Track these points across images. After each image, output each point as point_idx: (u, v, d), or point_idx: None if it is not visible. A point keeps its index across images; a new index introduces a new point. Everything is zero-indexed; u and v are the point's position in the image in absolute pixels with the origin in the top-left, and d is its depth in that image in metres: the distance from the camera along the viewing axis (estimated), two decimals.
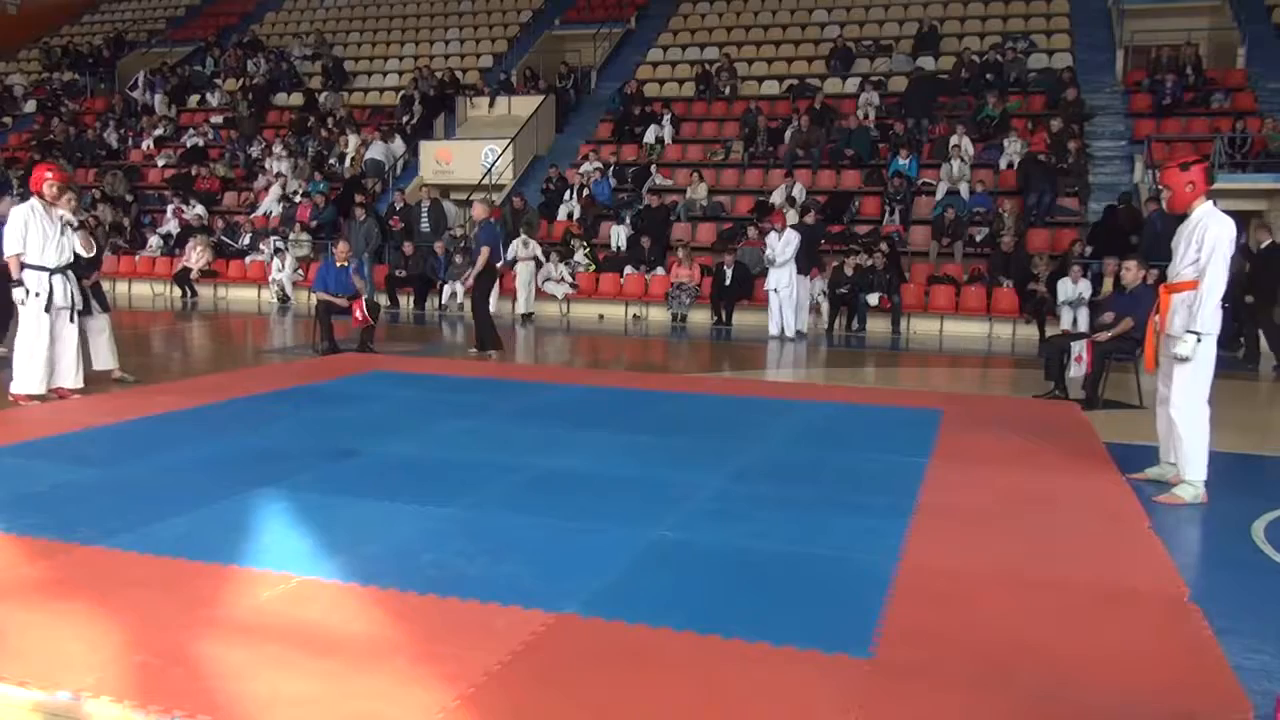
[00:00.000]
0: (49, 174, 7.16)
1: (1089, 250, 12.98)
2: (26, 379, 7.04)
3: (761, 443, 6.09)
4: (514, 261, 14.61)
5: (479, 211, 10.91)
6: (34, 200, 7.10)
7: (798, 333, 12.78)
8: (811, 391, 8.44)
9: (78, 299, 7.34)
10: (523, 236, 14.85)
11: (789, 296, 12.62)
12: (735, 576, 3.73)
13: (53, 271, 7.12)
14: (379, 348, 10.37)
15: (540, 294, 15.06)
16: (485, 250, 10.43)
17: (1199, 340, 4.96)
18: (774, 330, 12.68)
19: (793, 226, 12.84)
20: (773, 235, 12.71)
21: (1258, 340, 10.90)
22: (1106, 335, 7.78)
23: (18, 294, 7.02)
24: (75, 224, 7.27)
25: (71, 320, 7.26)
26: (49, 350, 7.12)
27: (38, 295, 7.01)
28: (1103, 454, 5.96)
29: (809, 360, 11.17)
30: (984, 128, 16.12)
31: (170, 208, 18.41)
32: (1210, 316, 4.95)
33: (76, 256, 7.49)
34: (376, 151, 18.28)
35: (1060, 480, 5.30)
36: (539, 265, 14.95)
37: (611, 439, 6.13)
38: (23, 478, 4.93)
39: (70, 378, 7.32)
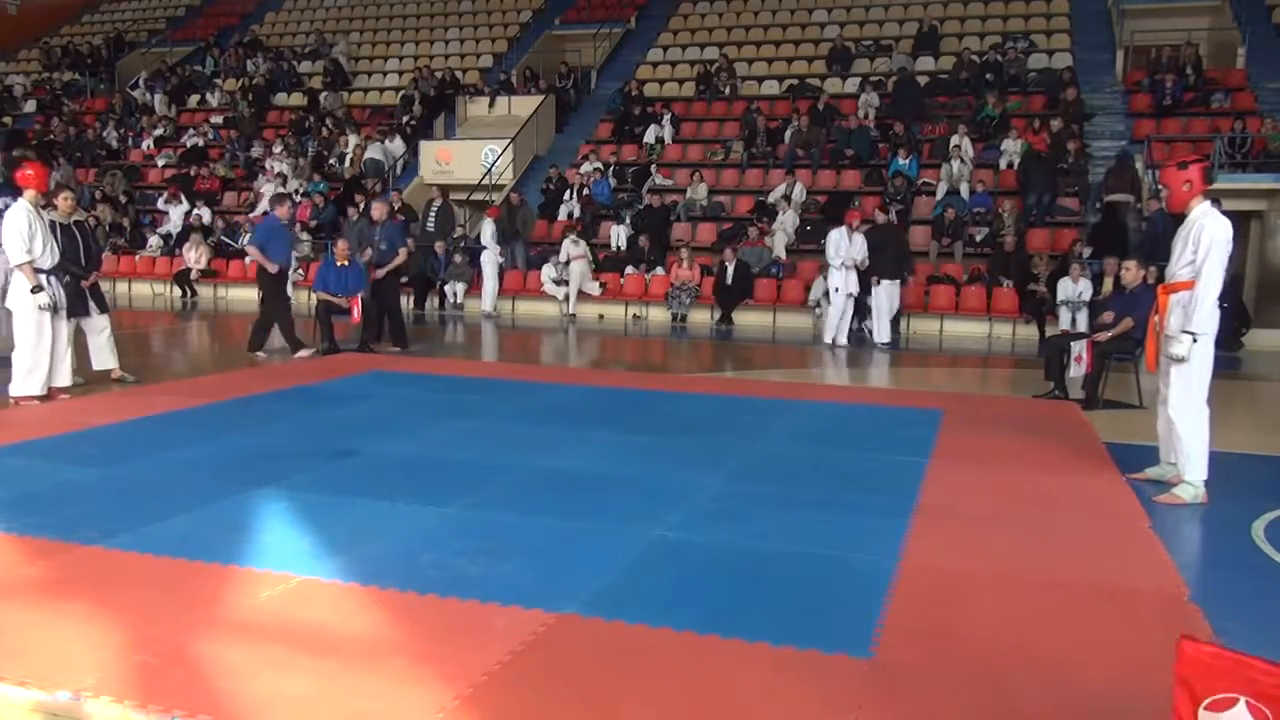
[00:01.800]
0: (30, 172, 7.17)
1: (1088, 252, 12.97)
2: (30, 381, 7.05)
3: (761, 443, 6.09)
4: (567, 261, 14.77)
5: (379, 212, 11.40)
6: (25, 201, 7.06)
7: (886, 343, 11.84)
8: (811, 391, 8.44)
9: (64, 299, 7.37)
10: (572, 236, 14.90)
11: (886, 304, 11.81)
12: (735, 576, 3.73)
13: (48, 273, 7.15)
14: (379, 348, 10.38)
15: (542, 294, 15.08)
16: (404, 251, 11.07)
17: (1195, 341, 4.95)
18: (828, 337, 11.79)
19: (872, 226, 11.95)
20: (839, 234, 11.60)
21: None
22: (1106, 335, 7.78)
23: (39, 298, 6.99)
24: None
25: (62, 320, 7.33)
26: (50, 352, 7.15)
27: (49, 297, 7.07)
28: (1103, 454, 5.96)
29: (809, 360, 11.16)
30: (984, 128, 16.12)
31: (161, 201, 18.43)
32: (1206, 317, 4.94)
33: (79, 256, 7.54)
34: (374, 151, 18.29)
35: (1060, 480, 5.30)
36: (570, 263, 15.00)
37: (611, 439, 6.13)
38: (23, 478, 4.93)
39: (66, 377, 7.41)
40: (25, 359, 7.04)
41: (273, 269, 9.91)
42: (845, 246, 11.57)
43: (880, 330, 11.94)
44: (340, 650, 3.02)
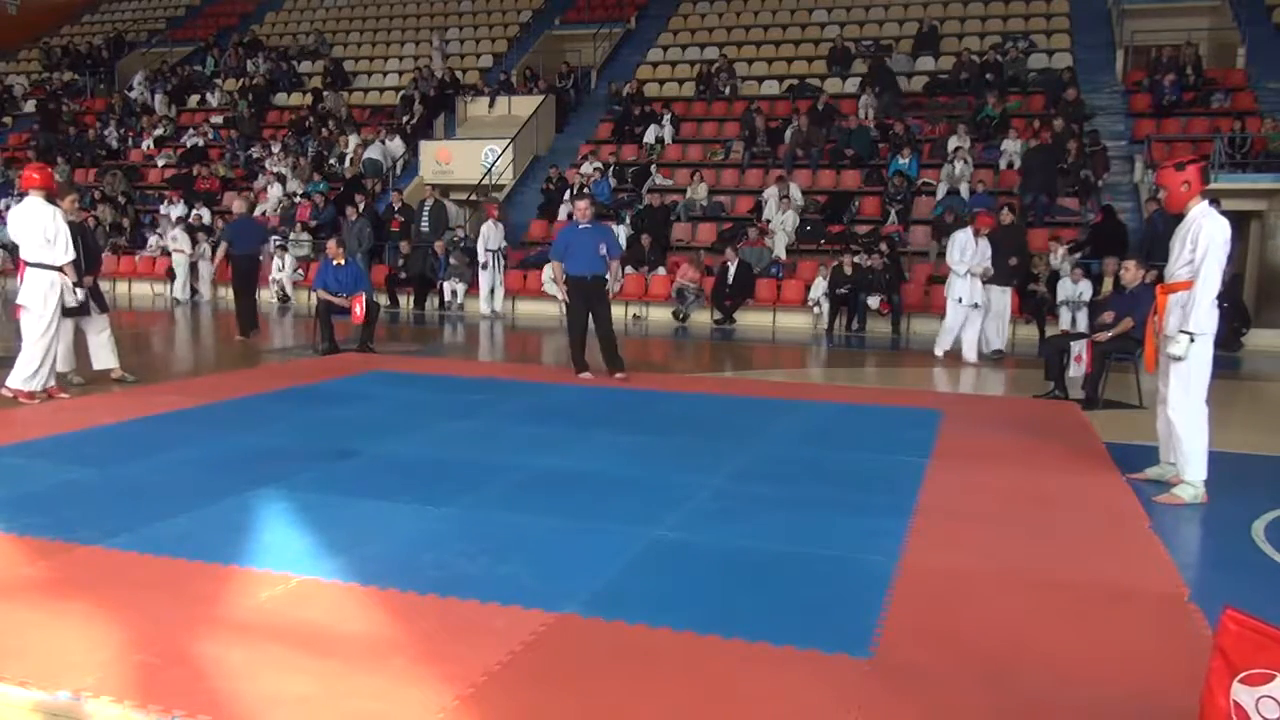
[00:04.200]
0: (36, 175, 7.23)
1: (1074, 256, 12.95)
2: (34, 376, 7.05)
3: (761, 443, 6.09)
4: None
5: (238, 207, 12.36)
6: (41, 200, 7.11)
7: (996, 351, 10.81)
8: (811, 391, 8.44)
9: (69, 299, 7.42)
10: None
11: (994, 310, 10.71)
12: (735, 576, 3.73)
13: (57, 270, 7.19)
14: (379, 348, 10.37)
15: (542, 294, 15.08)
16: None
17: (1192, 340, 4.95)
18: (941, 348, 10.71)
19: (996, 227, 10.80)
20: (965, 236, 10.41)
21: None
22: (1106, 335, 7.78)
23: (66, 297, 7.09)
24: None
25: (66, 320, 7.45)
26: (54, 349, 7.20)
27: (59, 294, 7.12)
28: (1103, 454, 5.96)
29: (809, 360, 11.16)
30: (984, 128, 16.12)
31: (161, 207, 18.44)
32: (1203, 317, 4.94)
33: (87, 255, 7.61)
34: (373, 151, 18.30)
35: (1060, 480, 5.30)
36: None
37: (611, 439, 6.13)
38: (23, 478, 4.93)
39: (61, 363, 7.54)
40: (31, 355, 7.04)
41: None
42: (971, 251, 10.42)
43: (991, 338, 10.87)
44: (340, 650, 3.02)
